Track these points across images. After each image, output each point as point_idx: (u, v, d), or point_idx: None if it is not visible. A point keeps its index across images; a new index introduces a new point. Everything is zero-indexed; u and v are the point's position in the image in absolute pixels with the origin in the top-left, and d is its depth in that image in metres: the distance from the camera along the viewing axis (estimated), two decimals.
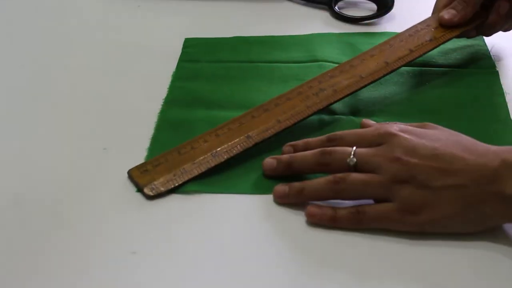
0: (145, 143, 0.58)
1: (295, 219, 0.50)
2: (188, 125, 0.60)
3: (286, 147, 0.55)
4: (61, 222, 0.51)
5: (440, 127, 0.52)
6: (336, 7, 0.77)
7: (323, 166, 0.51)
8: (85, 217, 0.51)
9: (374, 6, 0.76)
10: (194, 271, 0.47)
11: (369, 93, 0.62)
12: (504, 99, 0.61)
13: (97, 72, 0.68)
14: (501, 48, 0.68)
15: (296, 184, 0.51)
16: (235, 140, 0.55)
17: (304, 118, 0.57)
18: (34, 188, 0.54)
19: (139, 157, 0.56)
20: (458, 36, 0.64)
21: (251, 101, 0.62)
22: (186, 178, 0.53)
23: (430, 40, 0.63)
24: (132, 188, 0.53)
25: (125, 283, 0.46)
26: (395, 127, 0.51)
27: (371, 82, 0.59)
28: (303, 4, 0.79)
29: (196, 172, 0.54)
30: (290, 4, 0.79)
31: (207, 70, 0.67)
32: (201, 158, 0.54)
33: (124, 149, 0.57)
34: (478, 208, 0.47)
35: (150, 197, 0.52)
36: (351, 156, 0.50)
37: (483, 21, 0.64)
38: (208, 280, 0.46)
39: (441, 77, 0.65)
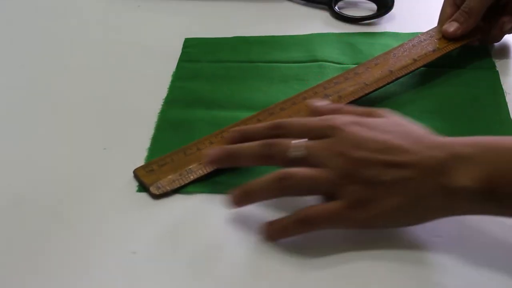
0: (145, 143, 0.58)
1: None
2: (188, 125, 0.60)
3: (228, 135, 0.53)
4: (61, 222, 0.51)
5: (389, 114, 0.51)
6: (336, 7, 0.76)
7: (267, 158, 0.50)
8: (85, 217, 0.51)
9: (374, 6, 0.76)
10: (194, 271, 0.47)
11: (369, 93, 0.62)
12: (504, 99, 0.61)
13: (97, 72, 0.68)
14: (502, 48, 0.68)
15: (241, 186, 0.49)
16: None
17: None
18: (34, 188, 0.54)
19: (139, 157, 0.56)
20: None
21: (251, 101, 0.62)
22: (192, 178, 0.53)
23: (434, 50, 0.64)
24: (132, 188, 0.53)
25: (125, 283, 0.46)
26: (344, 118, 0.50)
27: (375, 90, 0.60)
28: (303, 4, 0.79)
29: (202, 173, 0.54)
30: (290, 4, 0.79)
31: (207, 70, 0.67)
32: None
33: (124, 149, 0.57)
34: (425, 201, 0.46)
35: (156, 196, 0.52)
36: (297, 148, 0.48)
37: (485, 33, 0.66)
38: (208, 280, 0.46)
39: (441, 76, 0.64)
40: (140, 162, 0.56)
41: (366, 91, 0.60)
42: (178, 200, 0.52)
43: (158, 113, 0.61)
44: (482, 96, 0.62)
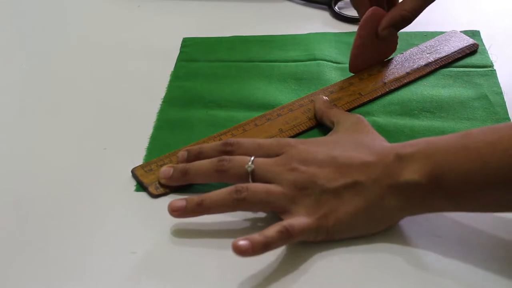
0: (145, 142, 0.58)
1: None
2: (187, 124, 0.60)
3: (181, 152, 0.54)
4: (60, 222, 0.51)
5: (337, 129, 0.54)
6: (336, 7, 0.76)
7: (221, 173, 0.50)
8: (85, 217, 0.51)
9: None
10: (194, 271, 0.47)
11: (363, 104, 0.62)
12: (502, 98, 0.61)
13: (96, 72, 0.68)
14: (499, 47, 0.68)
15: (195, 197, 0.49)
16: None
17: (305, 130, 0.58)
18: (34, 188, 0.54)
19: (138, 156, 0.56)
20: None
21: (249, 100, 0.62)
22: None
23: (425, 65, 0.65)
24: (131, 188, 0.53)
25: (125, 283, 0.46)
26: (293, 140, 0.52)
27: (370, 101, 0.62)
28: (303, 4, 0.78)
29: None
30: (290, 4, 0.79)
31: (206, 70, 0.67)
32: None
33: (123, 148, 0.57)
34: (379, 205, 0.47)
35: (154, 196, 0.53)
36: (249, 163, 0.49)
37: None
38: (209, 280, 0.46)
39: (440, 76, 0.65)
40: (139, 161, 0.56)
41: (360, 102, 0.61)
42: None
43: (157, 112, 0.61)
44: (480, 95, 0.62)
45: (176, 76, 0.67)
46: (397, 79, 0.64)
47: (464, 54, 0.67)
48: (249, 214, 0.51)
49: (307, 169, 0.48)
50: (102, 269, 0.47)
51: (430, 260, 0.47)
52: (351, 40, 0.63)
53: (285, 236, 0.45)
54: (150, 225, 0.50)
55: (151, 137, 0.59)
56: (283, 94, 0.63)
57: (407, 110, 0.60)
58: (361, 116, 0.56)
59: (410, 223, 0.49)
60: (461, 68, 0.65)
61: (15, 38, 0.75)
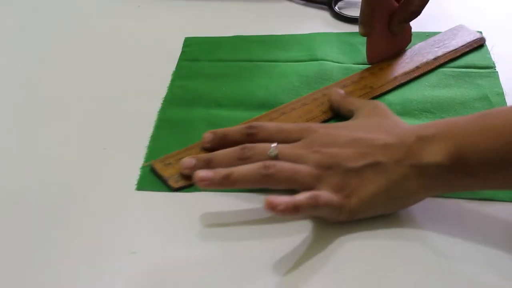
0: (145, 141, 0.58)
1: (296, 218, 0.50)
2: (188, 124, 0.59)
3: (206, 133, 0.55)
4: (61, 222, 0.50)
5: (358, 114, 0.55)
6: (336, 7, 0.76)
7: (244, 161, 0.51)
8: (85, 217, 0.51)
9: None
10: (194, 271, 0.46)
11: (375, 97, 0.62)
12: (504, 99, 0.61)
13: (97, 72, 0.68)
14: (501, 48, 0.68)
15: (222, 170, 0.49)
16: None
17: (320, 123, 0.59)
18: (34, 188, 0.54)
19: (139, 156, 0.56)
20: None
21: (250, 99, 0.62)
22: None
23: (434, 59, 0.66)
24: (132, 188, 0.53)
25: (125, 283, 0.46)
26: (315, 124, 0.54)
27: (381, 94, 0.62)
28: (303, 4, 0.78)
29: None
30: (290, 4, 0.79)
31: (207, 69, 0.67)
32: None
33: (124, 148, 0.57)
34: (400, 184, 0.48)
35: (174, 189, 0.53)
36: (272, 149, 0.50)
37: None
38: (209, 280, 0.46)
39: (441, 77, 0.64)
40: (140, 161, 0.55)
41: (372, 95, 0.62)
42: (177, 199, 0.52)
43: (158, 112, 0.61)
44: (481, 96, 0.61)
45: (177, 75, 0.66)
46: (407, 73, 0.64)
47: (471, 48, 0.68)
48: (255, 214, 0.51)
49: (330, 150, 0.50)
50: (102, 269, 0.47)
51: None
52: (353, 40, 0.64)
53: (313, 204, 0.47)
54: (151, 225, 0.50)
55: (151, 136, 0.58)
56: (284, 92, 0.63)
57: (407, 110, 0.60)
58: (379, 102, 0.57)
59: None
60: (463, 69, 0.65)
61: (15, 38, 0.74)
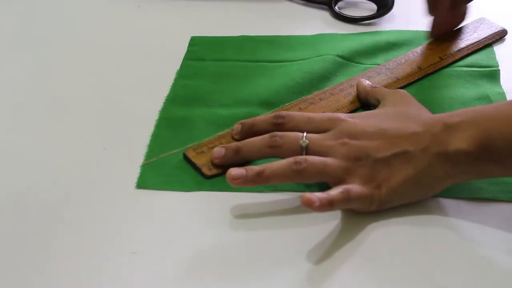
0: (146, 140, 0.57)
1: (296, 217, 0.50)
2: (189, 123, 0.59)
3: (235, 125, 0.56)
4: (61, 222, 0.50)
5: (385, 102, 0.55)
6: (336, 7, 0.76)
7: (274, 149, 0.51)
8: (85, 217, 0.51)
9: (374, 6, 0.76)
10: (194, 271, 0.46)
11: (401, 88, 0.62)
12: (505, 99, 0.60)
13: (99, 72, 0.67)
14: (503, 47, 0.68)
15: (255, 167, 0.49)
16: None
17: (348, 113, 0.59)
18: (34, 188, 0.53)
19: (139, 154, 0.56)
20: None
21: (252, 98, 0.62)
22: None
23: (458, 50, 0.67)
24: (132, 188, 0.53)
25: (125, 283, 0.46)
26: (343, 115, 0.53)
27: (407, 85, 0.63)
28: (303, 4, 0.78)
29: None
30: (290, 4, 0.78)
31: (211, 69, 0.67)
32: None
33: (125, 147, 0.57)
34: (427, 172, 0.49)
35: (208, 177, 0.53)
36: (304, 139, 0.51)
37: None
38: (209, 280, 0.46)
39: (443, 76, 0.64)
40: (140, 159, 0.55)
41: (398, 85, 0.62)
42: (177, 199, 0.52)
43: (159, 110, 0.61)
44: (482, 96, 0.61)
45: (181, 75, 0.66)
46: (431, 65, 0.65)
47: (494, 40, 0.69)
48: (254, 215, 0.50)
49: (358, 142, 0.50)
50: (102, 269, 0.46)
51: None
52: (359, 39, 0.64)
53: (346, 198, 0.47)
54: (151, 225, 0.50)
55: (152, 135, 0.58)
56: (287, 89, 0.62)
57: None
58: (406, 91, 0.57)
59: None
60: (464, 68, 0.65)
61: (16, 38, 0.74)
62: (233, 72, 0.66)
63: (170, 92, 0.63)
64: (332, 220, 0.50)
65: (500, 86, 0.63)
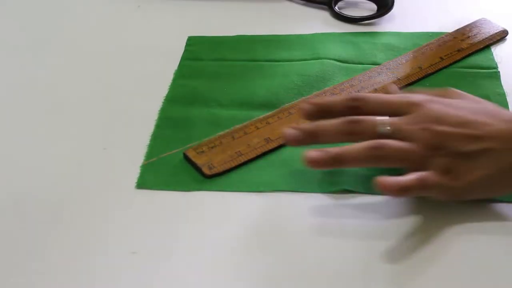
0: (146, 140, 0.57)
1: (295, 216, 0.50)
2: (188, 123, 0.59)
3: (305, 104, 0.52)
4: (61, 222, 0.50)
5: (463, 93, 0.53)
6: (336, 7, 0.76)
7: (353, 135, 0.49)
8: (85, 217, 0.50)
9: (374, 6, 0.75)
10: (194, 271, 0.46)
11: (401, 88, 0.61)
12: (505, 100, 0.60)
13: (98, 72, 0.67)
14: (503, 48, 0.67)
15: (333, 150, 0.48)
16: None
17: None
18: (34, 188, 0.53)
19: (139, 154, 0.56)
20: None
21: (251, 98, 0.62)
22: (242, 160, 0.55)
23: (458, 50, 0.67)
24: (132, 188, 0.53)
25: (125, 283, 0.45)
26: (421, 96, 0.51)
27: (408, 85, 0.63)
28: (303, 4, 0.78)
29: (252, 155, 0.55)
30: (290, 4, 0.78)
31: (210, 68, 0.66)
32: (256, 142, 0.56)
33: (125, 147, 0.57)
34: (509, 170, 0.48)
35: (208, 176, 0.53)
36: (384, 125, 0.49)
37: None
38: (209, 279, 0.45)
39: (442, 77, 0.64)
40: (140, 159, 0.55)
41: (399, 85, 0.61)
42: (177, 199, 0.52)
43: (159, 110, 0.61)
44: (483, 96, 0.60)
45: (179, 74, 0.66)
46: (432, 65, 0.65)
47: (494, 40, 0.68)
48: (254, 214, 0.50)
49: (440, 128, 0.48)
50: (102, 269, 0.46)
51: None
52: (356, 40, 0.64)
53: (421, 185, 0.47)
54: (151, 225, 0.50)
55: (152, 134, 0.58)
56: (286, 91, 0.62)
57: None
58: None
59: None
60: (464, 69, 0.65)
61: (15, 38, 0.74)
62: (231, 72, 0.66)
63: (168, 92, 0.63)
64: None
65: (501, 87, 0.62)
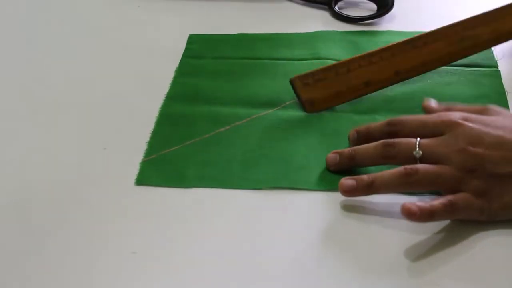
0: (146, 137, 0.57)
1: (294, 215, 0.50)
2: (189, 120, 0.59)
3: (351, 132, 0.55)
4: (61, 222, 0.50)
5: (502, 111, 0.52)
6: (336, 7, 0.75)
7: (388, 159, 0.50)
8: (85, 217, 0.50)
9: (374, 6, 0.75)
10: (194, 271, 0.46)
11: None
12: (505, 98, 0.60)
13: (98, 72, 0.67)
14: (503, 47, 0.66)
15: (365, 178, 0.49)
16: (385, 76, 0.59)
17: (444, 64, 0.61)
18: (34, 188, 0.53)
19: (140, 152, 0.55)
20: None
21: (251, 97, 0.62)
22: (340, 103, 0.58)
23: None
24: (132, 188, 0.52)
25: (125, 283, 0.45)
26: (458, 115, 0.50)
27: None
28: (303, 4, 0.78)
29: (349, 98, 0.58)
30: (290, 4, 0.78)
31: (210, 66, 0.66)
32: (355, 84, 0.57)
33: (127, 144, 0.57)
34: None
35: (309, 111, 0.57)
36: (417, 149, 0.49)
37: None
38: (208, 279, 0.45)
39: (443, 75, 0.63)
40: (140, 156, 0.55)
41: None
42: (177, 199, 0.51)
43: (159, 108, 0.61)
44: (483, 95, 0.61)
45: (180, 72, 0.66)
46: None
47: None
48: (253, 214, 0.49)
49: (475, 150, 0.48)
50: (102, 269, 0.46)
51: None
52: (357, 39, 0.64)
53: (449, 210, 0.46)
54: (151, 225, 0.49)
55: (152, 131, 0.58)
56: (286, 90, 0.61)
57: (409, 108, 0.59)
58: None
59: None
60: (465, 68, 0.64)
61: (15, 38, 0.74)
62: (232, 70, 0.66)
63: (169, 89, 0.63)
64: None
65: (502, 86, 0.62)
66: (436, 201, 0.46)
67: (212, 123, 0.58)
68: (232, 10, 0.77)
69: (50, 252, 0.47)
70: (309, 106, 0.57)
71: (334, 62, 0.65)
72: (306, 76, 0.57)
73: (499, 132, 0.49)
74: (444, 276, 0.45)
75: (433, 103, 0.56)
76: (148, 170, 0.54)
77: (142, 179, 0.53)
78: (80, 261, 0.47)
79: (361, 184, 0.49)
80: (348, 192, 0.49)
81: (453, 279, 0.44)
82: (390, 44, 0.60)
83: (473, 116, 0.51)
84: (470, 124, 0.49)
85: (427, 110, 0.56)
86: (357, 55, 0.59)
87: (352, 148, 0.53)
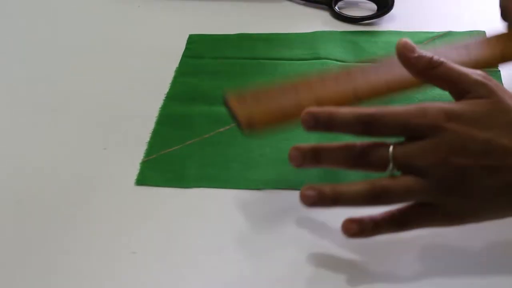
0: (146, 137, 0.57)
1: (295, 214, 0.50)
2: (189, 120, 0.59)
3: (305, 117, 0.44)
4: (61, 222, 0.50)
5: (498, 91, 0.44)
6: (336, 7, 0.75)
7: (357, 167, 0.44)
8: (85, 217, 0.50)
9: (374, 6, 0.75)
10: (194, 270, 0.46)
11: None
12: None
13: (99, 72, 0.67)
14: None
15: (329, 192, 0.43)
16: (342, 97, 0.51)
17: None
18: (34, 188, 0.53)
19: (140, 152, 0.55)
20: None
21: None
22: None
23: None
24: (132, 188, 0.52)
25: (125, 283, 0.45)
26: (443, 112, 0.43)
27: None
28: (303, 4, 0.77)
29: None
30: (290, 4, 0.78)
31: (210, 66, 0.66)
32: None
33: (127, 144, 0.57)
34: None
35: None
36: (390, 166, 0.43)
37: None
38: (208, 279, 0.45)
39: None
40: (140, 156, 0.55)
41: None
42: (177, 199, 0.51)
43: (159, 108, 0.60)
44: None
45: (180, 72, 0.66)
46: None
47: None
48: (253, 215, 0.49)
49: (457, 161, 0.42)
50: (102, 269, 0.46)
51: None
52: (357, 38, 0.63)
53: (398, 230, 0.44)
54: (151, 225, 0.49)
55: (152, 131, 0.58)
56: None
57: None
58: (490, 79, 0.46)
59: None
60: None
61: (15, 38, 0.74)
62: (231, 70, 0.66)
63: (169, 89, 0.63)
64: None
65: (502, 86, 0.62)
66: (380, 216, 0.43)
67: (212, 123, 0.58)
68: (232, 10, 0.77)
69: (50, 252, 0.47)
70: (247, 125, 0.48)
71: (332, 63, 0.65)
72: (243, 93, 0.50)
73: (488, 135, 0.42)
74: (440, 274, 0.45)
75: (409, 44, 0.48)
76: (148, 170, 0.54)
77: (142, 179, 0.53)
78: (80, 261, 0.47)
79: (324, 197, 0.43)
80: (310, 204, 0.43)
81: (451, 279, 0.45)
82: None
83: (458, 110, 0.43)
84: (455, 127, 0.42)
85: (402, 56, 0.47)
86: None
87: (317, 146, 0.45)
